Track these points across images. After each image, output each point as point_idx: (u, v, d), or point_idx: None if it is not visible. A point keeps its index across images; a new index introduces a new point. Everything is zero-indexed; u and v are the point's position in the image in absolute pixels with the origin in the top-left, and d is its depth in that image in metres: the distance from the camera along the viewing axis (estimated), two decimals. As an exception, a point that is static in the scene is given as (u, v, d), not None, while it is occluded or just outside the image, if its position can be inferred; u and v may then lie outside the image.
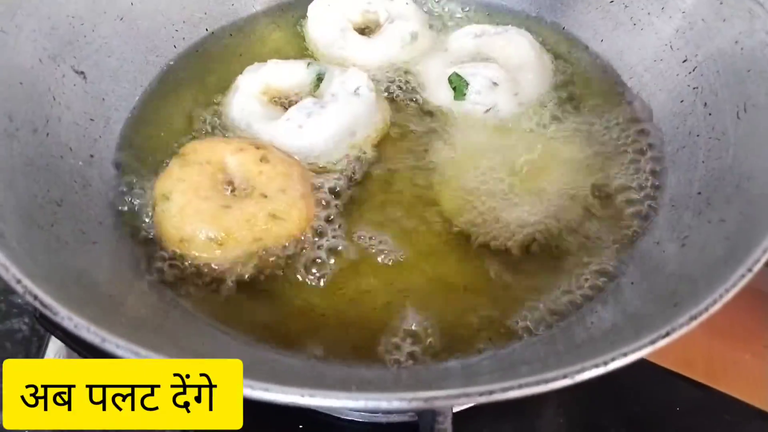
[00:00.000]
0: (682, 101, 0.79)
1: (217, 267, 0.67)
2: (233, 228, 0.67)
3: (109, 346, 0.45)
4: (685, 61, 0.80)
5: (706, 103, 0.75)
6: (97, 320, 0.47)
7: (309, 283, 0.68)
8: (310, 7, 0.95)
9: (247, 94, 0.82)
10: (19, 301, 0.92)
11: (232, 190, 0.72)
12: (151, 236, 0.70)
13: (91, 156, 0.75)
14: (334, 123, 0.78)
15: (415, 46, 0.92)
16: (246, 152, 0.73)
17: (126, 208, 0.73)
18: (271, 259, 0.68)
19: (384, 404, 0.42)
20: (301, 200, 0.71)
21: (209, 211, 0.68)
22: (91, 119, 0.78)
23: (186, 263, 0.68)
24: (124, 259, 0.67)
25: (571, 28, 0.95)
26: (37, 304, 0.47)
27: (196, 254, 0.67)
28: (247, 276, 0.67)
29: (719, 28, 0.77)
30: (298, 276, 0.68)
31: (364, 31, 0.95)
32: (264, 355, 0.60)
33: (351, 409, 0.68)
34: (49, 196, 0.65)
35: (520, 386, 0.43)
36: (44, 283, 0.50)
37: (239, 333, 0.63)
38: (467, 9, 1.00)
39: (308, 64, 0.85)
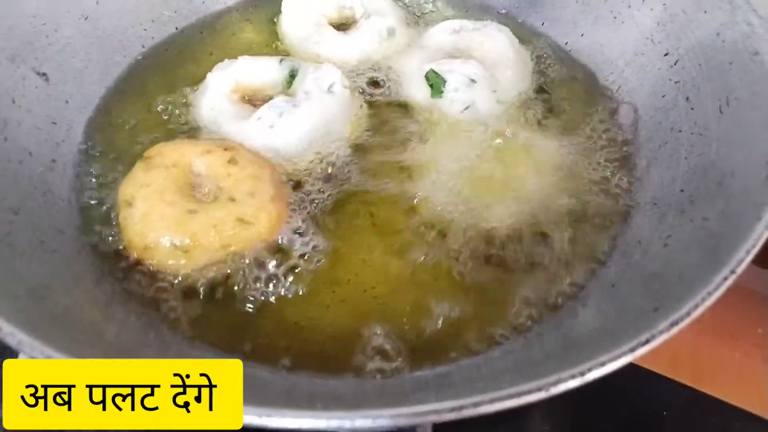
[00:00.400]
0: (663, 96, 0.77)
1: (183, 275, 0.65)
2: (199, 234, 0.64)
3: (54, 365, 0.42)
4: (666, 54, 0.78)
5: (688, 98, 0.73)
6: (46, 335, 0.45)
7: (279, 290, 0.65)
8: (284, 2, 0.92)
9: (217, 93, 0.79)
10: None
11: (200, 195, 0.69)
12: (114, 244, 0.67)
13: (53, 161, 0.72)
14: (307, 122, 0.75)
15: (392, 42, 0.89)
16: (213, 154, 0.70)
17: (89, 215, 0.70)
18: (240, 265, 0.66)
19: (347, 423, 0.40)
20: (271, 203, 0.68)
21: (174, 217, 0.65)
22: (54, 122, 0.75)
23: (151, 272, 0.65)
24: (86, 269, 0.64)
25: (550, 23, 0.93)
26: (-23, 321, 0.44)
27: (162, 262, 0.64)
28: (214, 284, 0.64)
29: (700, 20, 0.75)
30: (268, 283, 0.65)
31: (340, 27, 0.92)
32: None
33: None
34: (4, 204, 0.62)
35: (491, 401, 0.40)
36: (-9, 296, 0.47)
37: (205, 343, 0.60)
38: (444, 5, 0.98)
39: (281, 60, 0.82)
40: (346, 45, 0.87)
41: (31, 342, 0.43)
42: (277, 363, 0.59)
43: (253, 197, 0.67)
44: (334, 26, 0.91)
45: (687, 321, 0.45)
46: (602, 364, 0.43)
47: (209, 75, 0.80)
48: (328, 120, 0.76)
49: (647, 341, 0.44)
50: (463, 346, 0.60)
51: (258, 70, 0.81)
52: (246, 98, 0.80)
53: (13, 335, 0.43)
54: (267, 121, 0.74)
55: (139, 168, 0.69)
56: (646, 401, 0.77)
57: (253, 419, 0.39)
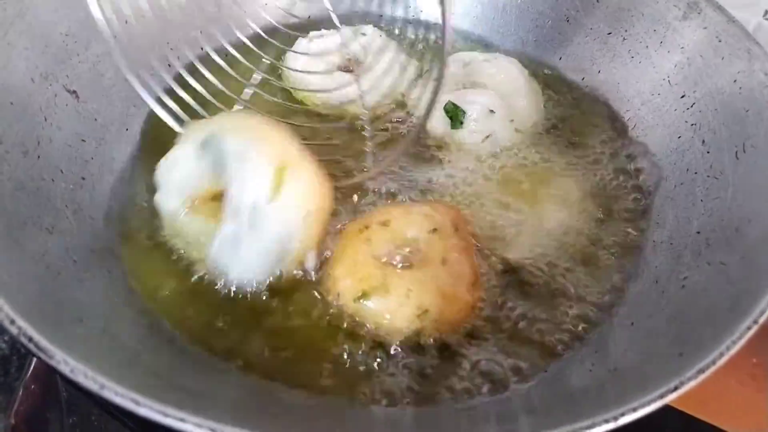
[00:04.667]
0: (679, 137, 0.79)
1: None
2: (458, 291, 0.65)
3: (107, 393, 0.43)
4: (683, 96, 0.81)
5: (704, 141, 0.76)
6: (91, 362, 0.46)
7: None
8: (289, 55, 0.92)
9: (179, 220, 0.69)
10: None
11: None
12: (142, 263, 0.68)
13: (83, 179, 0.73)
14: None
15: (404, 76, 0.89)
16: (416, 223, 0.69)
17: (116, 234, 0.71)
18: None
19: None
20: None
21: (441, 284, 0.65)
22: (83, 140, 0.76)
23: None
24: (118, 290, 0.65)
25: (567, 58, 0.95)
26: (31, 347, 0.45)
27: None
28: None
29: (717, 65, 0.77)
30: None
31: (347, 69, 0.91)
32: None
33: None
34: (39, 222, 0.63)
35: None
36: (38, 321, 0.48)
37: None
38: (460, 39, 1.00)
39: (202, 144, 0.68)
40: (360, 86, 0.86)
41: (85, 370, 0.44)
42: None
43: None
44: (342, 70, 0.90)
45: (713, 368, 0.47)
46: (634, 410, 0.44)
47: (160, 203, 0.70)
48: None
49: (676, 388, 0.46)
50: (481, 381, 0.61)
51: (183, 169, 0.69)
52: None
53: (66, 363, 0.44)
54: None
55: (366, 260, 0.67)
56: (642, 427, 0.79)
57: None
